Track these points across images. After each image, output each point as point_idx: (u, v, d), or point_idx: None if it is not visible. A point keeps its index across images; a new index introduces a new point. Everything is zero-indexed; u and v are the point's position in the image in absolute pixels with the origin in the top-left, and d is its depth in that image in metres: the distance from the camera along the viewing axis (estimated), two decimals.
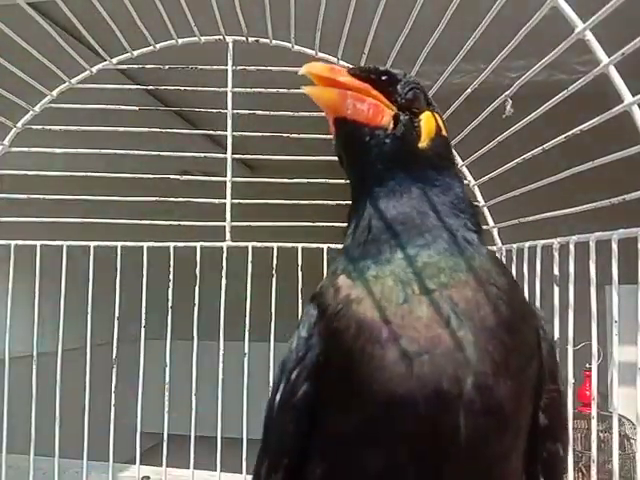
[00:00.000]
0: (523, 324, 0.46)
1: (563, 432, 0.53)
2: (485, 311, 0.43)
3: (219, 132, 1.14)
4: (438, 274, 0.44)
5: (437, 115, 0.53)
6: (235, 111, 1.10)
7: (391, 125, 0.49)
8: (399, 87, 0.50)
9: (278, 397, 0.50)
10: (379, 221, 0.47)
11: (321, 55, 1.07)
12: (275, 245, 1.10)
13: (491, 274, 0.45)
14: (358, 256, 0.47)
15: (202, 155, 1.13)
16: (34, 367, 1.08)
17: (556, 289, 0.81)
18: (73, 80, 1.07)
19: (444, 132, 0.53)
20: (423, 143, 0.50)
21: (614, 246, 0.68)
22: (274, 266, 1.09)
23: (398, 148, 0.49)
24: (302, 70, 0.46)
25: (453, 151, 0.55)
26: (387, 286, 0.44)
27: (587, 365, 1.42)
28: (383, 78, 0.50)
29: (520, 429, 0.46)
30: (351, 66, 0.51)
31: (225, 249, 1.09)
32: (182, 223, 1.13)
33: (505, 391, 0.43)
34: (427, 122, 0.51)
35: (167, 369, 1.08)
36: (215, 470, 1.10)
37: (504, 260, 1.04)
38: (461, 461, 0.42)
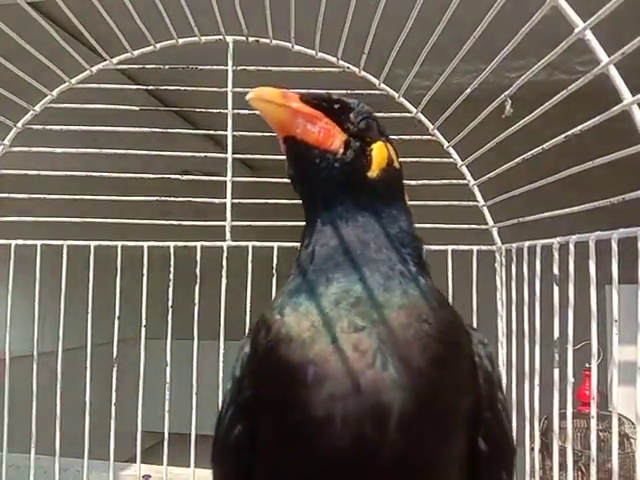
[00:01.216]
0: (456, 359, 0.46)
1: (506, 457, 0.52)
2: (413, 349, 0.42)
3: (219, 132, 1.14)
4: (370, 310, 0.43)
5: (390, 146, 0.53)
6: (235, 111, 1.10)
7: (341, 150, 0.49)
8: (352, 115, 0.50)
9: (218, 434, 0.53)
10: (322, 249, 0.48)
11: (321, 55, 1.07)
12: (275, 245, 1.10)
13: (425, 310, 0.45)
14: (295, 288, 0.47)
15: (202, 155, 1.13)
16: (34, 367, 1.08)
17: (556, 289, 0.81)
18: (73, 80, 1.07)
19: (396, 163, 0.53)
20: (373, 173, 0.50)
21: (614, 246, 0.68)
22: (274, 266, 1.09)
23: (347, 174, 0.49)
24: (250, 95, 0.46)
25: (403, 183, 0.54)
26: (316, 324, 0.44)
27: (587, 365, 1.43)
28: (336, 106, 0.50)
29: (452, 463, 0.46)
30: (303, 91, 0.51)
31: (225, 249, 1.09)
32: (182, 223, 1.13)
33: (431, 429, 0.43)
34: (379, 152, 0.51)
35: (167, 369, 1.08)
36: None
37: (504, 260, 1.04)
38: None
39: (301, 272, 0.48)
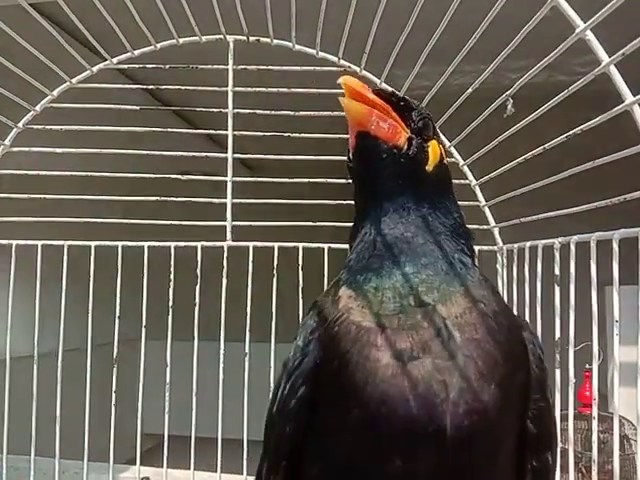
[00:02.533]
0: (510, 338, 0.50)
1: (552, 440, 0.55)
2: (474, 325, 0.47)
3: (219, 132, 1.14)
4: (433, 290, 0.48)
5: (441, 146, 0.58)
6: (236, 111, 1.10)
7: (405, 146, 0.53)
8: (414, 114, 0.55)
9: (277, 401, 0.53)
10: (384, 237, 0.51)
11: (322, 54, 1.07)
12: (276, 245, 1.10)
13: (481, 294, 0.50)
14: (361, 268, 0.51)
15: (203, 155, 1.13)
16: (35, 367, 1.08)
17: (557, 289, 0.81)
18: (74, 80, 1.07)
19: (445, 160, 0.58)
20: (430, 167, 0.54)
21: (615, 246, 0.68)
22: (275, 266, 1.09)
23: (410, 167, 0.53)
24: (340, 80, 0.50)
25: (451, 179, 0.59)
26: (385, 297, 0.48)
27: (587, 365, 1.42)
28: (402, 103, 0.54)
29: (506, 436, 0.49)
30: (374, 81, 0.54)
31: (226, 249, 1.09)
32: (183, 223, 1.13)
33: (490, 397, 0.46)
34: (434, 149, 0.55)
35: (167, 369, 1.08)
36: (215, 471, 1.10)
37: (505, 261, 1.04)
38: (449, 464, 0.45)
39: (364, 256, 0.52)
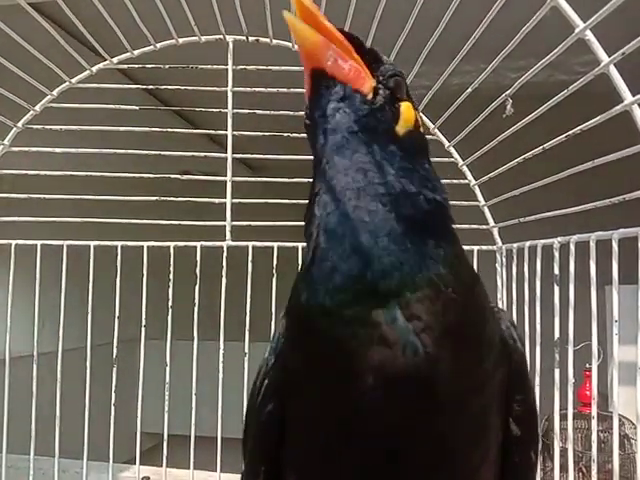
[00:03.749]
0: (487, 330, 0.44)
1: (535, 438, 0.53)
2: (443, 318, 0.40)
3: (219, 132, 1.14)
4: (401, 279, 0.40)
5: (417, 112, 0.48)
6: (235, 111, 1.10)
7: (370, 95, 0.44)
8: (382, 68, 0.46)
9: (250, 409, 0.51)
10: (333, 215, 0.41)
11: None
12: (275, 245, 1.10)
13: (452, 281, 0.41)
14: (318, 263, 0.42)
15: (202, 155, 1.13)
16: (34, 367, 1.08)
17: (556, 289, 0.81)
18: (74, 80, 1.07)
19: (422, 128, 0.49)
20: (401, 129, 0.45)
21: (614, 246, 0.68)
22: (274, 266, 1.09)
23: (374, 121, 0.43)
24: (290, 12, 0.42)
25: (429, 151, 0.50)
26: (348, 297, 0.40)
27: (587, 365, 1.43)
28: (368, 51, 0.46)
29: (486, 437, 0.46)
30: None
31: (225, 249, 1.09)
32: (182, 223, 1.13)
33: (469, 402, 0.42)
34: (407, 110, 0.46)
35: (167, 369, 1.08)
36: (215, 470, 1.10)
37: (504, 260, 1.04)
38: (428, 473, 0.43)
39: (312, 247, 0.42)
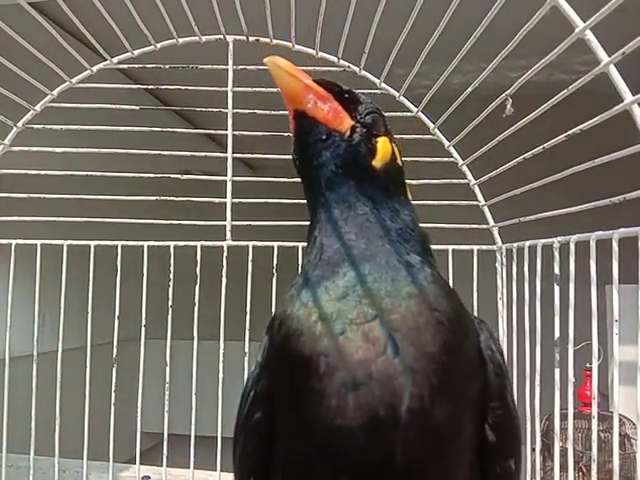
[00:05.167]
0: (464, 345, 0.46)
1: (514, 447, 0.53)
2: (424, 336, 0.43)
3: (219, 131, 1.14)
4: (379, 300, 0.44)
5: (395, 144, 0.53)
6: (235, 110, 1.10)
7: (348, 133, 0.49)
8: (360, 107, 0.51)
9: (239, 417, 0.52)
10: (328, 239, 0.48)
11: (321, 54, 1.07)
12: (276, 244, 1.10)
13: (433, 298, 0.45)
14: (303, 282, 0.47)
15: (202, 155, 1.13)
16: (34, 367, 1.08)
17: (556, 288, 0.81)
18: (74, 79, 1.07)
19: (399, 161, 0.53)
20: (377, 163, 0.50)
21: (615, 245, 0.68)
22: (275, 265, 1.09)
23: (352, 156, 0.49)
24: (266, 59, 0.47)
25: (405, 182, 0.54)
26: (325, 317, 0.44)
27: (587, 365, 1.43)
28: (345, 95, 0.50)
29: (462, 449, 0.46)
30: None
31: (225, 248, 1.09)
32: (182, 222, 1.13)
33: (442, 413, 0.43)
34: (384, 145, 0.51)
35: (167, 369, 1.08)
36: (215, 470, 1.10)
37: (504, 260, 1.04)
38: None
39: (309, 266, 0.48)
